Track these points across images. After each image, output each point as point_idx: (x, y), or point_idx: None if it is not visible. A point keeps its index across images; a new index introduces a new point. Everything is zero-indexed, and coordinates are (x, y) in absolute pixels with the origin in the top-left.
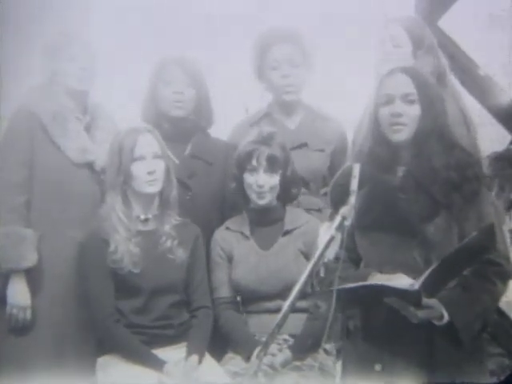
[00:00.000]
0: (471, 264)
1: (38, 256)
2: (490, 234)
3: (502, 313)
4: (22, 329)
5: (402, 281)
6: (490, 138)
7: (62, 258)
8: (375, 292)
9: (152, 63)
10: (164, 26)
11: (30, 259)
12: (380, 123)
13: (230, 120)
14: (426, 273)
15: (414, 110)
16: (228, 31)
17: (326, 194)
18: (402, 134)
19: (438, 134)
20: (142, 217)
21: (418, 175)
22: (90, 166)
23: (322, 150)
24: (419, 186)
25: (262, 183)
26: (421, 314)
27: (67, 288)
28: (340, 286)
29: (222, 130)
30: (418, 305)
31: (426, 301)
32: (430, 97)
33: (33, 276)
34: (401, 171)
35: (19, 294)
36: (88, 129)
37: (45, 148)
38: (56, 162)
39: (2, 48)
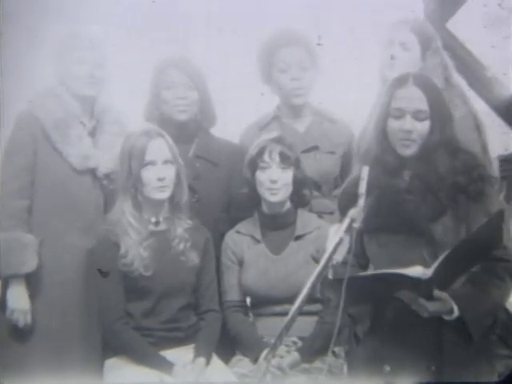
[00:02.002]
0: (481, 256)
1: (39, 262)
2: (499, 220)
3: (510, 314)
4: (22, 333)
5: (415, 270)
6: (497, 140)
7: (62, 264)
8: (386, 283)
9: (152, 65)
10: (165, 25)
11: (30, 265)
12: (389, 135)
13: (232, 120)
14: (438, 261)
15: (424, 126)
16: (229, 30)
17: (337, 196)
18: (410, 150)
19: (444, 145)
20: (153, 219)
21: (424, 179)
22: (92, 172)
23: (332, 153)
24: (426, 188)
25: (276, 178)
26: (431, 306)
27: (67, 294)
28: (352, 275)
29: (223, 130)
30: (429, 296)
31: (436, 293)
32: (440, 112)
33: (33, 281)
34: (407, 175)
35: (19, 298)
36: (93, 133)
37: (47, 154)
38: (58, 168)
39: (3, 49)
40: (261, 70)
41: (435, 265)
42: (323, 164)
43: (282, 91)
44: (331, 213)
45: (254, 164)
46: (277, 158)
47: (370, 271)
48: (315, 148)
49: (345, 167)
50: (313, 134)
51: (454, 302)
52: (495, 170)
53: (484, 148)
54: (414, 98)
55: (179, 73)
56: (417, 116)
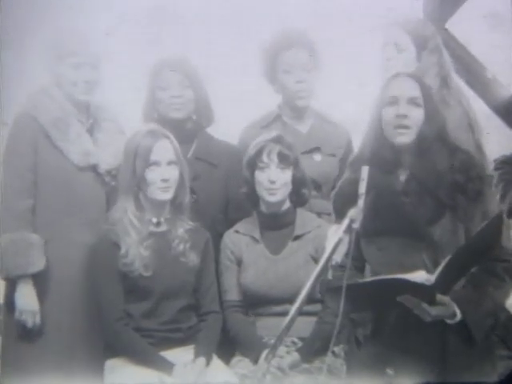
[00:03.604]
0: (481, 258)
1: (46, 261)
2: (498, 223)
3: (510, 315)
4: (31, 334)
5: (418, 275)
6: (498, 142)
7: (68, 262)
8: (389, 288)
9: (149, 66)
10: (165, 24)
11: (38, 264)
12: (383, 125)
13: (231, 120)
14: (441, 266)
15: (418, 113)
16: (228, 31)
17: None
18: (406, 137)
19: (440, 138)
20: (154, 220)
21: (421, 178)
22: (93, 168)
23: (333, 155)
24: (423, 189)
25: (274, 178)
26: (434, 311)
27: (74, 292)
28: (351, 282)
29: (223, 130)
30: (432, 301)
31: (439, 297)
32: (433, 102)
33: (40, 281)
34: (403, 174)
35: (27, 299)
36: (91, 131)
37: (48, 152)
38: (59, 166)
39: (3, 48)
40: (265, 71)
41: (438, 271)
42: (324, 165)
43: (286, 92)
44: (330, 214)
45: (253, 164)
46: (275, 158)
47: (370, 278)
48: (317, 149)
49: (342, 170)
50: (315, 136)
51: (456, 306)
52: (490, 170)
53: (478, 148)
54: (408, 86)
55: (174, 72)
56: (411, 102)
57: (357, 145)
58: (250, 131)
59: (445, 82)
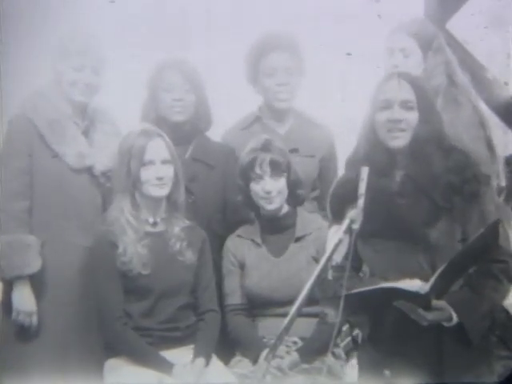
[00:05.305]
0: (476, 262)
1: (42, 262)
2: (495, 231)
3: (509, 315)
4: (28, 334)
5: (412, 283)
6: (499, 142)
7: (63, 263)
8: (385, 296)
9: (150, 67)
10: (165, 24)
11: (34, 265)
12: (377, 129)
13: (227, 122)
14: (435, 275)
15: (413, 116)
16: (225, 32)
17: (315, 198)
18: (401, 141)
19: (435, 139)
20: (151, 220)
21: (417, 180)
22: (88, 170)
23: (312, 156)
24: (419, 191)
25: (270, 189)
26: (430, 316)
27: (70, 293)
28: (348, 292)
29: (220, 131)
30: (428, 307)
31: (435, 303)
32: (428, 103)
33: (36, 282)
34: (398, 176)
35: (24, 299)
36: (86, 133)
37: (43, 154)
38: (54, 168)
39: (3, 49)
40: (247, 72)
41: (433, 278)
42: (302, 167)
43: (267, 94)
44: (312, 212)
45: (247, 175)
46: (268, 168)
47: (365, 287)
48: (295, 150)
49: (322, 171)
50: (293, 137)
51: (453, 309)
52: (500, 168)
53: (489, 145)
54: (401, 89)
55: (177, 75)
56: (404, 105)
57: (339, 146)
58: (230, 133)
59: (452, 80)
